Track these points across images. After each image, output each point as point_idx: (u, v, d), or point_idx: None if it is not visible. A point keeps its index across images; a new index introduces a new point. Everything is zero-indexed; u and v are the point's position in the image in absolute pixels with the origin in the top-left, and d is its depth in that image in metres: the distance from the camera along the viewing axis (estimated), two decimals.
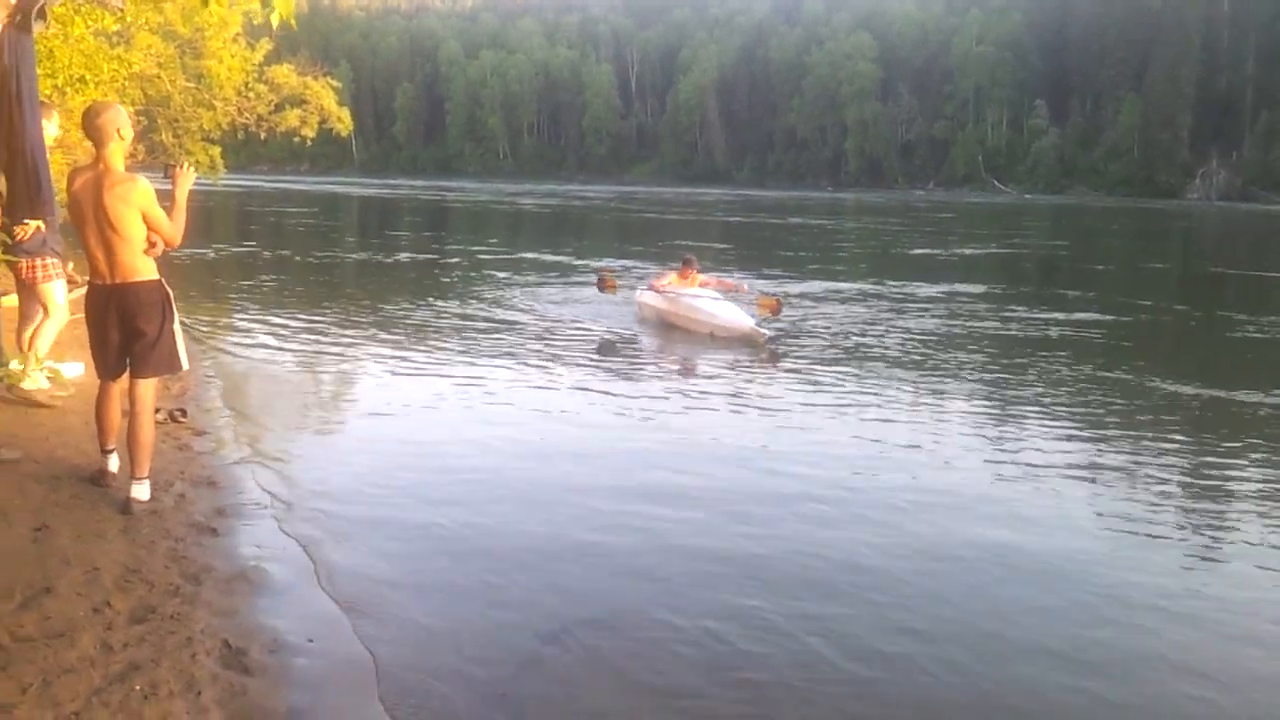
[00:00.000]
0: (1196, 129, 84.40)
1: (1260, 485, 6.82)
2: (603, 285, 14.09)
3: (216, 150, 16.18)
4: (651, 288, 13.28)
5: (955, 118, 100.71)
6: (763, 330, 11.79)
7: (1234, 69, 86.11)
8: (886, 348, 11.85)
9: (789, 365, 10.73)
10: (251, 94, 15.13)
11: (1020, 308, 15.70)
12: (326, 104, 15.35)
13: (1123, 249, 32.27)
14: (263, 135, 16.27)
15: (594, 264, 20.96)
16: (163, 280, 5.08)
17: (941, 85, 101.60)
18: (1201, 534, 5.84)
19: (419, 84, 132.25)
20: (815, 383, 9.80)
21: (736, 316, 12.16)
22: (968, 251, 29.72)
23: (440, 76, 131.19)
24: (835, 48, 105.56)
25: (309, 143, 16.08)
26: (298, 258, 22.67)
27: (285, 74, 15.23)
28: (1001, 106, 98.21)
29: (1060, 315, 14.91)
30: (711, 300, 12.71)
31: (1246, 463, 7.39)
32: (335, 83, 15.90)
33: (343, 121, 15.77)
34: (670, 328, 12.78)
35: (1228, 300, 19.16)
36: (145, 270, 4.98)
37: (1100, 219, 50.50)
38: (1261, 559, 5.43)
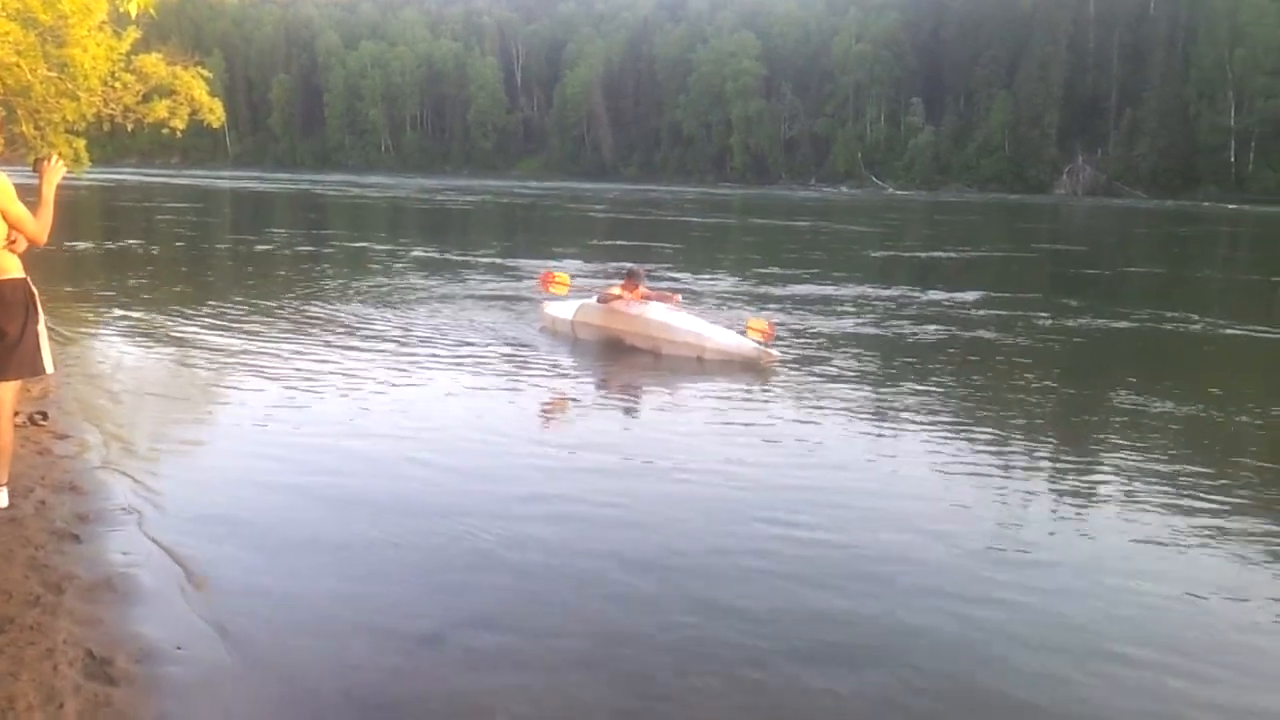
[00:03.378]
0: (1064, 126, 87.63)
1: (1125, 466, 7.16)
2: (547, 283, 12.80)
3: (81, 142, 15.57)
4: (602, 299, 11.60)
5: (836, 115, 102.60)
6: (770, 351, 10.56)
7: (1100, 69, 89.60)
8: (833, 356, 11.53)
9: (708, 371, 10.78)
10: (118, 84, 14.58)
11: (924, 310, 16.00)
12: (197, 94, 14.87)
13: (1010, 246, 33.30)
14: (130, 127, 15.72)
15: (502, 262, 20.73)
16: (28, 279, 4.88)
17: (822, 84, 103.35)
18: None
19: (295, 75, 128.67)
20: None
21: (731, 338, 10.84)
22: (874, 253, 30.35)
23: (318, 67, 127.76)
24: (720, 46, 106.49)
25: (179, 134, 15.59)
26: (169, 255, 21.98)
27: (153, 63, 14.70)
28: (880, 104, 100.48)
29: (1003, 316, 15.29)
30: (688, 318, 11.34)
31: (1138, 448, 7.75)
32: (206, 73, 15.42)
33: (214, 113, 15.32)
34: (625, 347, 11.31)
35: (1110, 296, 19.89)
36: (9, 268, 4.79)
37: (972, 213, 52.08)
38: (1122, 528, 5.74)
